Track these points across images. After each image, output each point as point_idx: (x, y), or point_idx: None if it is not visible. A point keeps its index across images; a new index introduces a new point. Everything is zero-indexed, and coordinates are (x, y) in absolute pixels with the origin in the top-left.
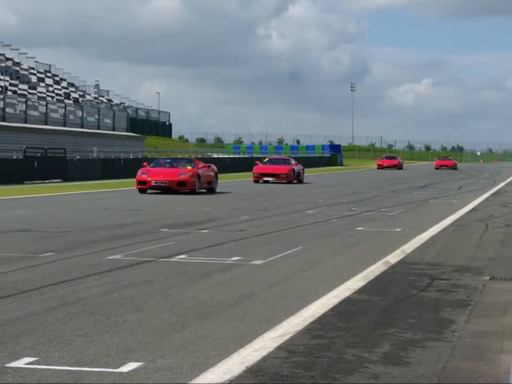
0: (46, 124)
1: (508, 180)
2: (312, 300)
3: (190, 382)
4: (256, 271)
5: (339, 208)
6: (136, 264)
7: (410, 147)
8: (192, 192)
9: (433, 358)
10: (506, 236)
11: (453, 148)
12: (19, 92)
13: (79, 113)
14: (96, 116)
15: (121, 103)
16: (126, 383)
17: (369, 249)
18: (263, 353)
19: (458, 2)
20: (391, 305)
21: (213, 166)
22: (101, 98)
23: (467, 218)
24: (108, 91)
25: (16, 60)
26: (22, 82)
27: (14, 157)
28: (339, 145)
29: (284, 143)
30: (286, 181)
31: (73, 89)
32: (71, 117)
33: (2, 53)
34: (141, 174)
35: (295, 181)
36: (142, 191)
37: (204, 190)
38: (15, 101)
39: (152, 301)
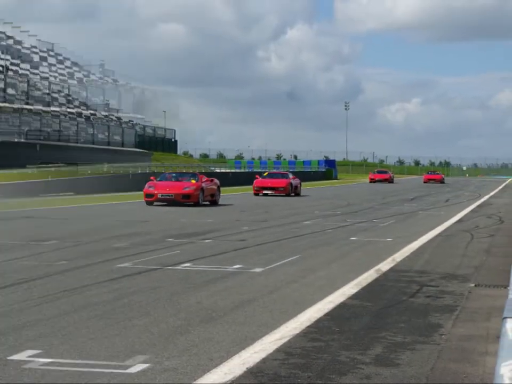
0: (59, 141)
1: (492, 193)
2: (309, 305)
3: (194, 382)
4: (256, 278)
5: (334, 219)
6: (144, 271)
7: (401, 162)
8: (196, 204)
9: (422, 359)
10: (491, 245)
11: (440, 162)
12: (20, 72)
13: (91, 130)
14: (106, 133)
15: (129, 120)
16: (134, 383)
17: (362, 258)
18: (263, 355)
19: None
20: (382, 310)
21: (216, 180)
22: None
23: (454, 229)
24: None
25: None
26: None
27: (16, 140)
28: (334, 161)
29: (282, 158)
30: (284, 194)
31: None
32: (83, 134)
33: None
34: (148, 187)
35: (293, 194)
36: (149, 203)
37: (207, 202)
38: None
39: (159, 306)
